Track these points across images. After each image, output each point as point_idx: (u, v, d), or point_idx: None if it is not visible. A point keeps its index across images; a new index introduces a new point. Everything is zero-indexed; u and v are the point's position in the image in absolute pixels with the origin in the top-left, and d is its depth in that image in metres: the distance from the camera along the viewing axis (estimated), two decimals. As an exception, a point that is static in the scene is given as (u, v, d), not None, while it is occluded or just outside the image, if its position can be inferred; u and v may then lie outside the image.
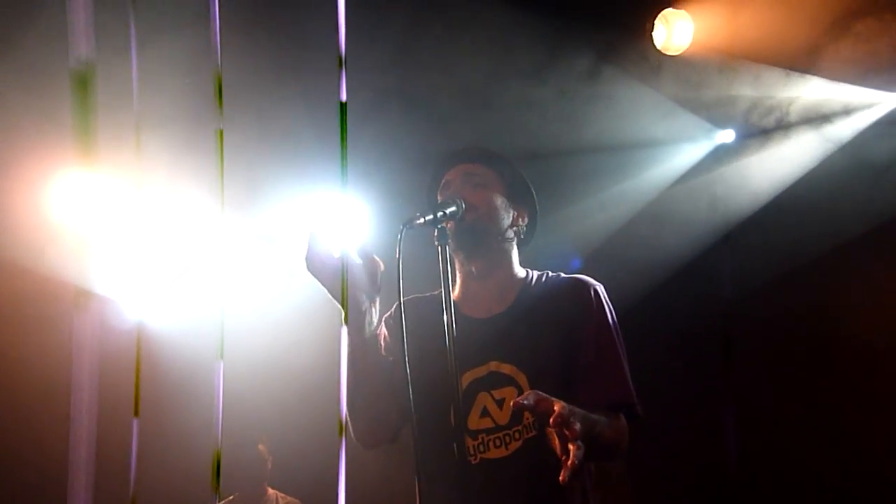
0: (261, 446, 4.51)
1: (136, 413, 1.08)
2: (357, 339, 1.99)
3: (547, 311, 2.10)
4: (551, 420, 1.62)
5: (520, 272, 2.23)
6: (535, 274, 2.23)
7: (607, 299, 2.14)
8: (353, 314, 1.99)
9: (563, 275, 2.21)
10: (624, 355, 2.08)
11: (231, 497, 4.52)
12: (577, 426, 1.63)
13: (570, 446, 1.62)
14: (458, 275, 2.24)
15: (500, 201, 2.20)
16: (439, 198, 2.24)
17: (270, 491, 4.58)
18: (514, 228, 2.23)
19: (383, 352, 2.10)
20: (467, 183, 2.20)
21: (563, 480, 1.59)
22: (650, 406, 2.11)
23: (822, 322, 4.23)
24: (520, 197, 2.27)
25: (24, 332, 4.00)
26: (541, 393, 1.69)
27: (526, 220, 2.28)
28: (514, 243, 2.24)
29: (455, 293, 2.22)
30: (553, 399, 1.66)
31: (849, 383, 4.17)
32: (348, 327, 1.98)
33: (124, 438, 1.04)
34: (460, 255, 2.19)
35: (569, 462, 1.60)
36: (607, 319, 2.10)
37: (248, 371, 3.92)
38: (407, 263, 1.92)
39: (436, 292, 2.20)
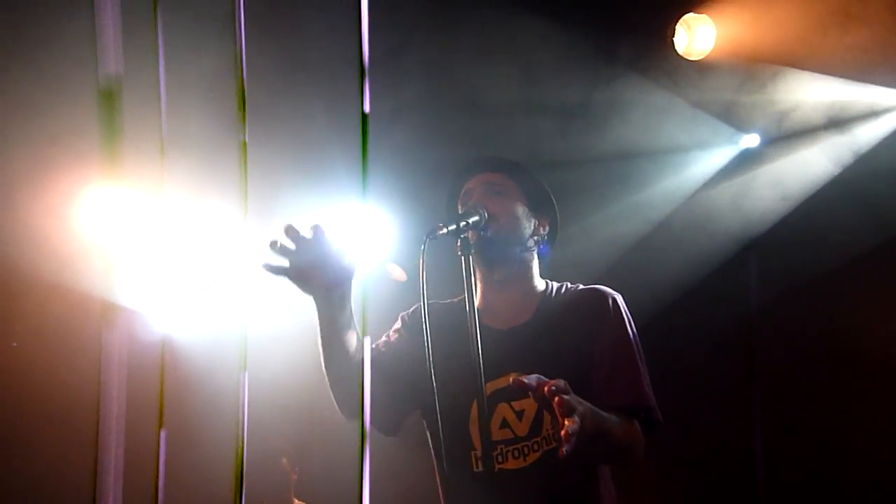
0: (283, 459, 4.53)
1: (161, 425, 1.08)
2: (326, 316, 2.02)
3: (566, 323, 2.11)
4: (545, 389, 1.65)
5: (540, 283, 2.24)
6: (555, 285, 2.25)
7: (626, 309, 2.15)
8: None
9: (581, 286, 2.22)
10: (642, 363, 2.08)
11: (257, 507, 4.54)
12: (577, 406, 1.65)
13: (566, 421, 1.63)
14: (479, 284, 2.24)
15: (520, 210, 2.21)
16: (460, 207, 2.24)
17: (297, 502, 4.59)
18: (535, 238, 2.23)
19: (385, 347, 2.20)
20: (489, 192, 2.20)
21: (562, 455, 1.60)
22: (674, 414, 2.10)
23: (848, 330, 4.18)
24: (540, 206, 2.27)
25: (53, 346, 4.04)
26: (543, 377, 1.71)
27: (547, 228, 2.28)
28: (535, 253, 2.25)
29: (477, 302, 2.19)
30: (554, 381, 1.68)
31: (874, 390, 4.11)
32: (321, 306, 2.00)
33: (151, 450, 1.04)
34: (482, 264, 2.20)
35: (563, 433, 1.61)
36: (625, 329, 2.10)
37: (272, 382, 3.93)
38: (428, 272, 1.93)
39: (455, 300, 2.23)
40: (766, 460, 4.44)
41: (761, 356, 4.51)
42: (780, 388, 4.44)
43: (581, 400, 1.70)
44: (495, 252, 2.15)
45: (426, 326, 1.91)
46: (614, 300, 2.14)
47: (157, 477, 1.07)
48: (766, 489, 4.44)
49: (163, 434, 0.97)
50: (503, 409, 2.07)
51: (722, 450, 4.44)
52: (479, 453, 2.03)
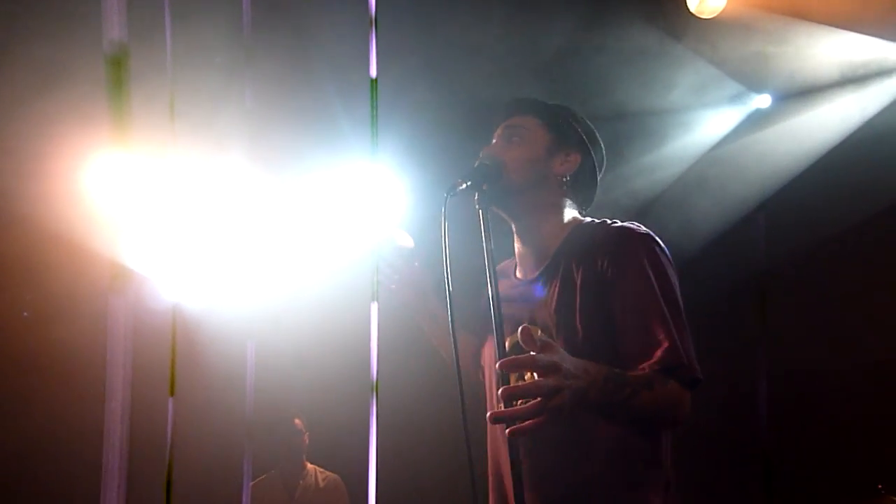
0: (297, 420, 4.56)
1: (172, 392, 1.09)
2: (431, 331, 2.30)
3: (580, 268, 1.94)
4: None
5: (564, 228, 2.08)
6: (583, 224, 2.07)
7: (662, 252, 1.92)
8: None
9: (616, 223, 2.01)
10: (674, 313, 1.83)
11: (271, 472, 4.59)
12: (561, 382, 1.47)
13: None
14: (514, 235, 2.17)
15: (541, 152, 2.09)
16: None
17: (309, 466, 4.63)
18: (562, 176, 2.09)
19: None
20: (503, 139, 2.12)
21: (508, 434, 1.46)
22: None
23: (853, 286, 4.17)
24: (570, 141, 2.12)
25: (60, 312, 4.07)
26: (545, 338, 1.56)
27: (578, 161, 2.11)
28: (563, 194, 2.10)
29: (515, 257, 2.18)
30: (546, 353, 1.51)
31: (876, 340, 4.10)
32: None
33: (160, 417, 1.05)
34: (504, 216, 2.12)
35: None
36: (647, 272, 1.86)
37: (286, 348, 3.95)
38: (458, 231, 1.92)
39: (511, 260, 2.21)
40: (771, 410, 4.45)
41: (772, 311, 4.50)
42: (788, 344, 4.44)
43: (578, 370, 1.53)
44: (510, 202, 2.06)
45: (448, 286, 1.89)
46: (644, 241, 1.92)
47: (166, 444, 1.07)
48: (773, 429, 4.46)
49: (170, 402, 0.98)
50: None
51: (729, 404, 4.46)
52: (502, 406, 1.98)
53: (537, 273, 2.07)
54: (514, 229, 2.15)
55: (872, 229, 4.12)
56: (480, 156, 2.10)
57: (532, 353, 1.50)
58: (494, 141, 2.16)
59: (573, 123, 2.15)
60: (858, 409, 4.16)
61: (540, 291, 2.03)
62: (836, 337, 4.23)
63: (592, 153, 2.15)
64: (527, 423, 1.45)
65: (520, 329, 1.51)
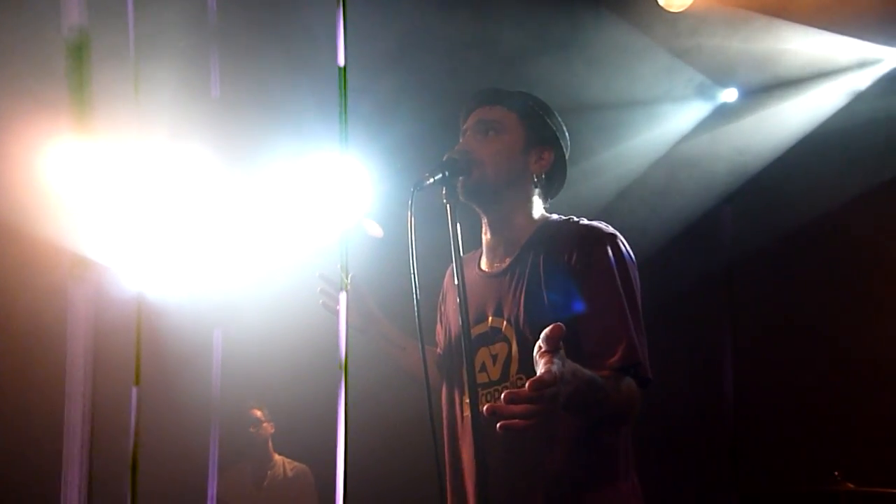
0: (256, 411, 4.53)
1: (137, 381, 1.06)
2: (387, 349, 2.30)
3: (548, 263, 1.97)
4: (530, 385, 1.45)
5: (534, 222, 2.10)
6: (551, 221, 2.10)
7: (623, 249, 1.96)
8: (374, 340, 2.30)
9: (581, 221, 2.05)
10: (633, 312, 1.88)
11: (238, 463, 4.55)
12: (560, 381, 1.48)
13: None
14: (482, 227, 2.17)
15: (514, 147, 2.08)
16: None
17: (277, 457, 4.61)
18: (533, 173, 2.09)
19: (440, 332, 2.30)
20: (478, 132, 2.10)
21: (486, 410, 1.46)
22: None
23: (815, 278, 4.24)
24: (543, 138, 2.12)
25: (18, 301, 3.98)
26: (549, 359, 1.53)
27: (551, 159, 2.12)
28: (535, 189, 2.11)
29: (481, 248, 2.19)
30: (548, 368, 1.50)
31: (840, 330, 4.18)
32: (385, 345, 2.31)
33: (122, 409, 1.02)
34: (476, 208, 2.12)
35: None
36: (612, 271, 1.90)
37: (249, 338, 3.91)
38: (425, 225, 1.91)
39: (476, 251, 2.22)
40: (736, 399, 4.52)
41: (738, 304, 4.56)
42: (754, 335, 4.49)
43: (568, 374, 1.53)
44: (483, 197, 2.07)
45: (414, 280, 1.90)
46: (610, 241, 1.95)
47: (129, 433, 1.05)
48: (737, 429, 4.52)
49: (134, 391, 0.96)
50: (483, 354, 2.03)
51: (696, 394, 4.51)
52: (466, 399, 1.98)
53: (505, 265, 2.08)
54: (484, 220, 2.15)
55: (837, 222, 4.19)
56: (455, 149, 2.08)
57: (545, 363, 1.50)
58: (467, 133, 2.14)
59: (546, 118, 2.15)
60: (819, 399, 4.24)
61: (507, 283, 2.04)
62: (799, 327, 4.30)
63: (564, 149, 2.16)
64: (521, 422, 1.46)
65: (550, 328, 1.52)
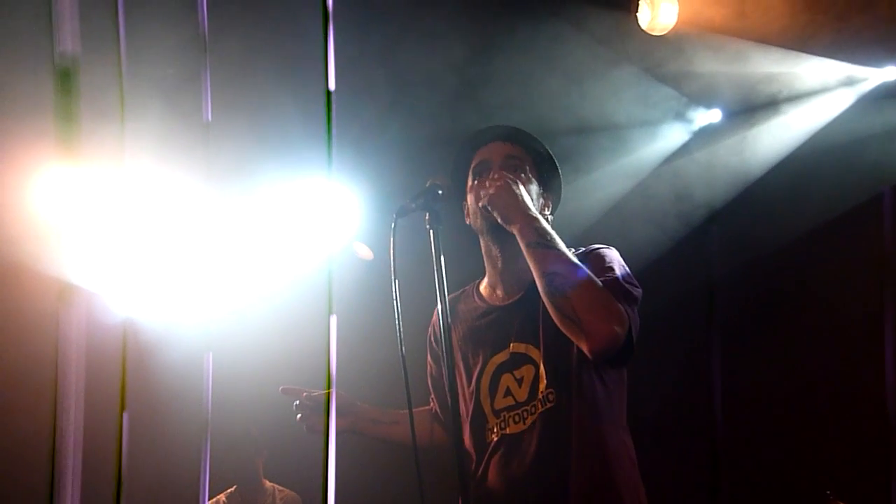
0: (253, 433, 4.49)
1: (123, 407, 1.06)
2: (377, 433, 2.39)
3: None
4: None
5: None
6: None
7: (618, 258, 2.16)
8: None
9: (581, 250, 2.20)
10: (629, 294, 2.06)
11: (229, 490, 4.51)
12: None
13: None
14: (485, 259, 2.28)
15: (534, 190, 2.21)
16: (470, 178, 2.25)
17: (268, 484, 4.56)
18: (543, 215, 2.20)
19: (434, 379, 2.40)
20: (507, 167, 2.20)
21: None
22: (636, 372, 2.13)
23: (800, 296, 4.27)
24: (550, 182, 2.29)
25: (8, 327, 3.96)
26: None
27: (551, 206, 2.30)
28: None
29: (484, 282, 2.31)
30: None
31: (823, 347, 4.19)
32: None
33: (113, 433, 1.03)
34: (491, 243, 2.23)
35: None
36: (613, 265, 2.11)
37: (239, 364, 3.90)
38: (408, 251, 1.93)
39: (466, 287, 2.36)
40: (722, 416, 4.52)
41: (723, 327, 4.57)
42: (737, 351, 4.51)
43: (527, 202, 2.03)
44: (504, 233, 2.14)
45: (397, 311, 1.94)
46: (603, 253, 2.15)
47: (119, 459, 1.05)
48: (726, 424, 4.52)
49: (124, 417, 0.96)
50: (507, 380, 2.14)
51: (682, 406, 4.52)
52: (489, 424, 2.15)
53: (522, 293, 2.18)
54: (497, 253, 2.23)
55: (819, 240, 4.22)
56: (478, 174, 2.22)
57: None
58: (490, 162, 2.22)
59: (553, 163, 2.30)
60: (807, 417, 4.24)
61: (527, 310, 2.15)
62: (784, 345, 4.32)
63: (561, 194, 2.33)
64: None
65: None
